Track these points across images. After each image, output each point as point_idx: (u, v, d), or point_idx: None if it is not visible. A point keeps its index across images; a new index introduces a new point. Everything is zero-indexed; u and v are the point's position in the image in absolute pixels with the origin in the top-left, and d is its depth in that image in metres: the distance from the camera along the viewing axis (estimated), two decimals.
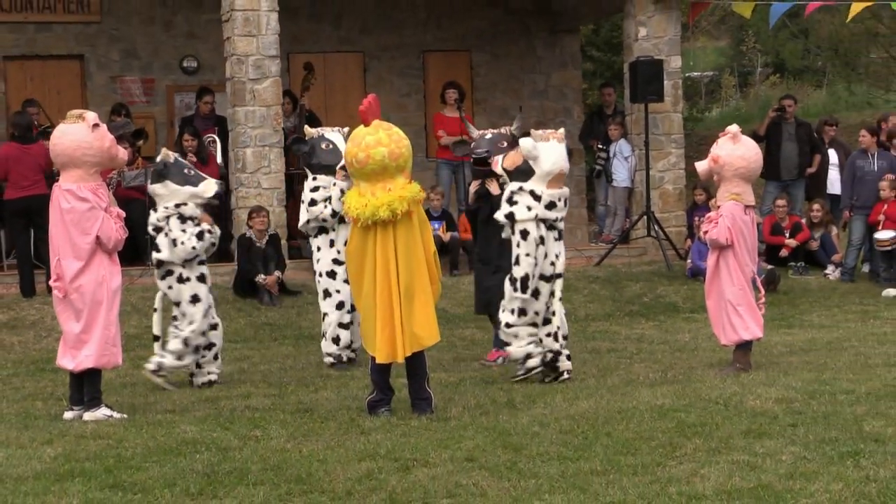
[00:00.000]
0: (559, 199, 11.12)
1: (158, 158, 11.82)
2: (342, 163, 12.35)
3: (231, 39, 17.09)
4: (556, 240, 11.20)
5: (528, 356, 11.19)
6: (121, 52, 20.44)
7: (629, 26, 19.12)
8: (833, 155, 19.84)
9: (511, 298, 11.17)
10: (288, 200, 17.38)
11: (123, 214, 10.29)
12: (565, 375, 11.26)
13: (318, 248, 12.91)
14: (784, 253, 18.30)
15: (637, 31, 18.85)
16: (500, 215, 11.19)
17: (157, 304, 12.14)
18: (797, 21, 31.86)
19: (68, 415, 10.09)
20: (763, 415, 9.17)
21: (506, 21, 22.02)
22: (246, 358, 13.63)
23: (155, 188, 11.78)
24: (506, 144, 12.17)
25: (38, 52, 20.08)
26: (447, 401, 10.23)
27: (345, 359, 12.80)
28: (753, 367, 11.44)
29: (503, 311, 11.26)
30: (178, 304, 11.89)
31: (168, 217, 11.76)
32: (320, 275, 12.87)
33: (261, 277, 16.04)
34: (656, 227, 18.30)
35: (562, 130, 11.38)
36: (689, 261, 17.82)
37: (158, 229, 11.85)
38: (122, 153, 10.35)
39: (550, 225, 11.11)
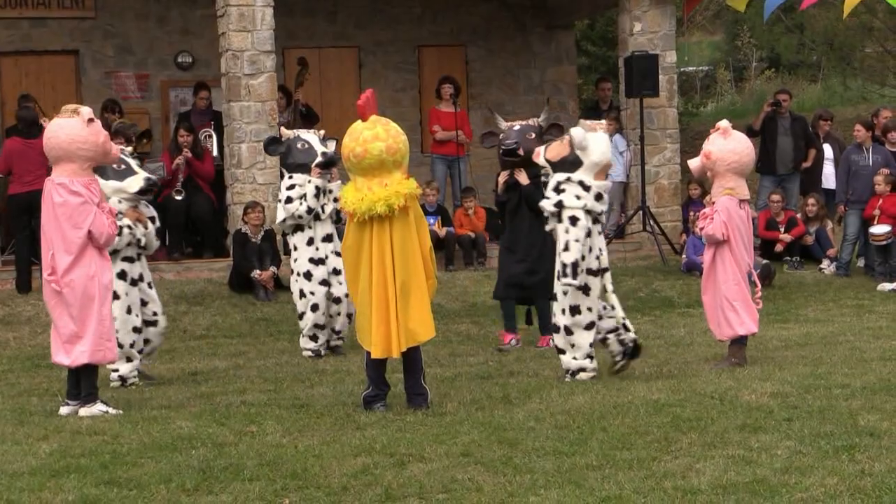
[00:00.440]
0: (605, 192, 10.97)
1: None
2: (317, 160, 13.03)
3: (226, 35, 17.09)
4: (599, 233, 11.00)
5: (582, 370, 10.88)
6: (115, 47, 20.43)
7: (624, 21, 19.12)
8: (828, 149, 19.85)
9: (562, 292, 10.82)
10: None
11: (116, 210, 10.27)
12: (627, 350, 11.12)
13: (296, 248, 13.26)
14: (779, 248, 18.32)
15: (632, 26, 18.85)
16: (547, 204, 10.89)
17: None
18: (792, 15, 31.83)
19: (64, 410, 10.08)
20: (758, 409, 9.17)
21: (501, 16, 22.03)
22: (241, 353, 13.63)
23: None
24: (533, 136, 12.98)
25: (33, 48, 20.08)
26: (443, 396, 10.23)
27: (323, 353, 13.25)
28: (748, 361, 11.45)
29: (556, 315, 10.93)
30: None
31: None
32: (297, 275, 13.22)
33: (256, 273, 16.05)
34: (651, 222, 18.32)
35: (604, 121, 11.26)
36: (684, 255, 17.84)
37: None
38: (115, 149, 10.36)
39: (595, 218, 10.90)
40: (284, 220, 13.20)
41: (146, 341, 11.94)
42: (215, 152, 18.03)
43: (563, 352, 10.95)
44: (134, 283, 11.90)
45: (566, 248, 10.75)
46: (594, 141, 10.85)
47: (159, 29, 20.59)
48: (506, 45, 22.06)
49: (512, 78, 22.15)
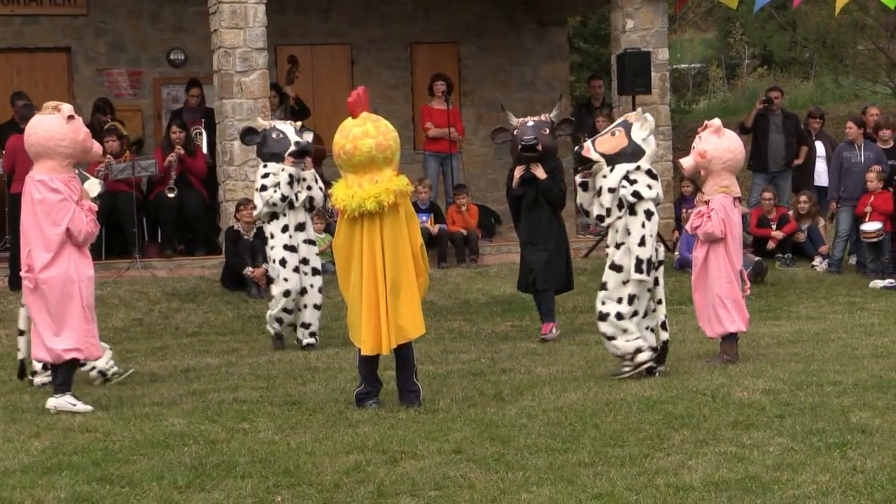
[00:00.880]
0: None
1: None
2: (290, 149, 13.36)
3: (218, 32, 17.08)
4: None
5: (639, 350, 10.67)
6: (108, 44, 20.41)
7: (616, 18, 19.12)
8: (820, 147, 19.87)
9: (618, 286, 10.65)
10: None
11: (95, 208, 10.25)
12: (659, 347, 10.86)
13: (272, 235, 13.58)
14: (771, 245, 18.33)
15: (624, 23, 18.86)
16: (626, 194, 10.58)
17: (22, 324, 11.50)
18: (784, 13, 31.87)
19: (76, 402, 10.01)
20: (750, 406, 9.18)
21: (493, 13, 22.02)
22: (234, 350, 13.63)
23: None
24: (548, 131, 13.27)
25: (25, 45, 20.05)
26: (435, 393, 10.23)
27: (285, 336, 13.78)
28: (741, 358, 11.46)
29: (605, 302, 10.72)
30: None
31: None
32: (273, 261, 13.58)
33: (248, 270, 16.04)
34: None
35: (639, 110, 11.13)
36: (676, 252, 17.84)
37: None
38: (97, 146, 10.31)
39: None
40: (262, 208, 13.52)
41: None
42: (205, 149, 18.03)
43: (612, 338, 10.72)
44: None
45: (642, 243, 10.58)
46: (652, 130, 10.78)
47: (152, 26, 20.57)
48: (498, 42, 22.05)
49: (504, 75, 22.14)
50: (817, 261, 18.27)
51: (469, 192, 18.94)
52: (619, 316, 10.66)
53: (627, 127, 10.71)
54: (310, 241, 13.66)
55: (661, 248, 10.82)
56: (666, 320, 10.81)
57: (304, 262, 13.55)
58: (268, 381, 11.37)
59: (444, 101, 19.16)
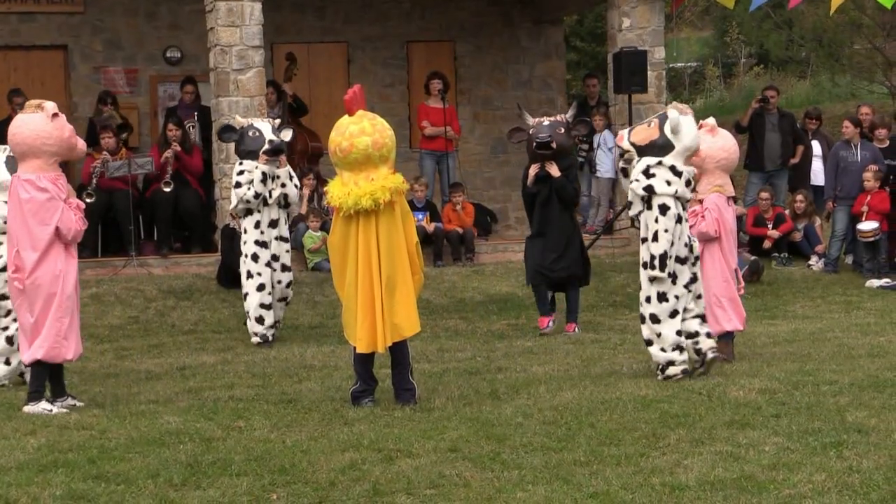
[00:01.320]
0: (692, 178, 10.59)
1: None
2: (264, 147, 13.69)
3: (214, 30, 17.08)
4: (686, 220, 10.58)
5: (671, 363, 10.38)
6: (104, 42, 20.39)
7: (613, 17, 19.11)
8: (816, 146, 19.87)
9: (647, 283, 10.47)
10: None
11: (83, 206, 10.21)
12: (710, 355, 10.57)
13: (245, 230, 13.92)
14: (767, 244, 18.33)
15: (621, 22, 18.84)
16: (637, 188, 10.47)
17: None
18: (781, 12, 31.86)
19: (51, 408, 9.99)
20: (746, 405, 9.18)
21: (490, 11, 22.01)
22: (229, 348, 13.62)
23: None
24: (563, 130, 13.63)
25: (22, 43, 20.03)
26: (431, 391, 10.23)
27: (270, 338, 13.82)
28: (737, 357, 11.46)
29: (642, 303, 10.56)
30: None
31: None
32: (246, 256, 13.87)
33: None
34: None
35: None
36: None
37: None
38: (81, 143, 10.26)
39: (683, 205, 10.51)
40: (236, 205, 13.90)
41: None
42: (199, 142, 18.01)
43: (650, 343, 10.57)
44: None
45: (655, 239, 10.41)
46: (688, 125, 10.46)
47: (148, 24, 20.55)
48: (494, 40, 22.04)
49: (500, 73, 22.13)
50: (813, 260, 18.28)
51: (465, 191, 18.95)
52: (655, 318, 10.42)
53: (663, 119, 10.51)
54: (282, 238, 13.99)
55: (695, 243, 10.61)
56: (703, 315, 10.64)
57: (275, 258, 13.89)
58: (263, 379, 11.37)
59: (440, 100, 19.15)
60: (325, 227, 16.61)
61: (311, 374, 11.58)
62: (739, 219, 17.63)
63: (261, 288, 13.76)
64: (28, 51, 20.06)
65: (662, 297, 10.37)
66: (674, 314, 10.40)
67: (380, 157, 9.64)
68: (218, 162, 17.20)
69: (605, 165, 19.31)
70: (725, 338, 11.45)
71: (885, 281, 17.02)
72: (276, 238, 13.91)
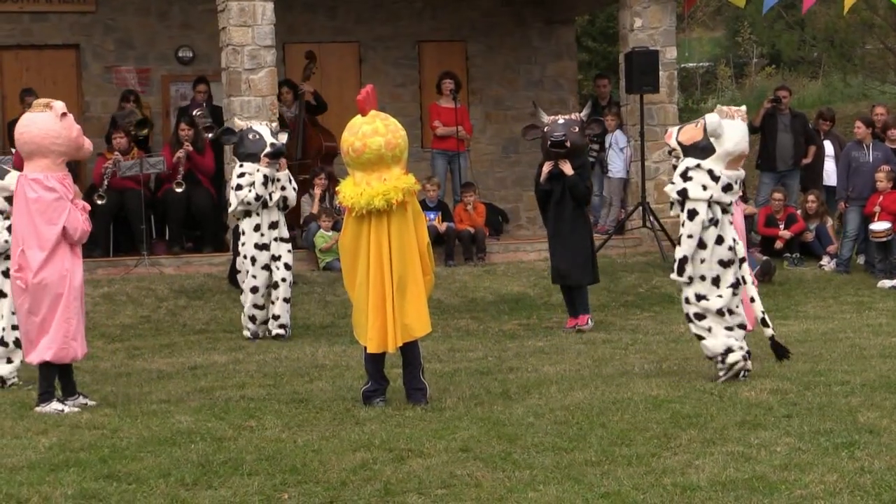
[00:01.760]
0: (736, 182, 10.30)
1: None
2: (266, 150, 13.96)
3: (226, 29, 17.10)
4: (729, 223, 10.36)
5: (729, 350, 10.22)
6: (116, 41, 20.41)
7: (624, 17, 19.09)
8: (829, 146, 19.84)
9: (686, 284, 10.34)
10: None
11: (88, 207, 10.23)
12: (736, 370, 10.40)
13: (244, 232, 14.22)
14: (779, 245, 18.30)
15: (632, 22, 18.83)
16: (671, 189, 10.42)
17: None
18: (793, 12, 31.83)
19: (62, 408, 10.00)
20: (758, 406, 9.17)
21: (501, 11, 22.00)
22: (241, 348, 13.64)
23: None
24: (577, 129, 13.83)
25: (34, 42, 20.06)
26: (442, 391, 10.23)
27: (261, 334, 14.23)
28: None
29: (683, 305, 10.46)
30: None
31: None
32: (244, 258, 14.19)
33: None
34: (651, 218, 18.29)
35: (743, 108, 10.70)
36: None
37: None
38: (88, 143, 10.27)
39: (725, 208, 10.29)
40: (236, 207, 14.15)
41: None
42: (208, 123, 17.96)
43: (701, 338, 10.39)
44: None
45: (679, 243, 10.39)
46: (730, 128, 10.25)
47: (160, 23, 20.58)
48: (506, 40, 22.03)
49: (512, 73, 22.12)
50: (825, 260, 18.25)
51: (476, 191, 18.95)
52: (700, 316, 10.32)
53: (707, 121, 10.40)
54: (282, 239, 14.25)
55: (739, 246, 10.36)
56: (765, 316, 10.52)
57: (276, 258, 14.16)
58: (275, 379, 11.38)
59: (451, 100, 19.16)
60: (336, 227, 16.61)
61: (322, 374, 11.58)
62: (750, 218, 17.65)
63: (254, 290, 14.15)
64: (40, 50, 20.09)
65: (701, 298, 10.27)
66: (721, 313, 10.25)
67: (392, 158, 9.65)
68: (229, 161, 17.19)
69: (616, 165, 19.30)
70: None
71: None
72: (276, 239, 14.19)
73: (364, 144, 9.60)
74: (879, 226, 17.40)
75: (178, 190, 17.30)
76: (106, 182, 17.02)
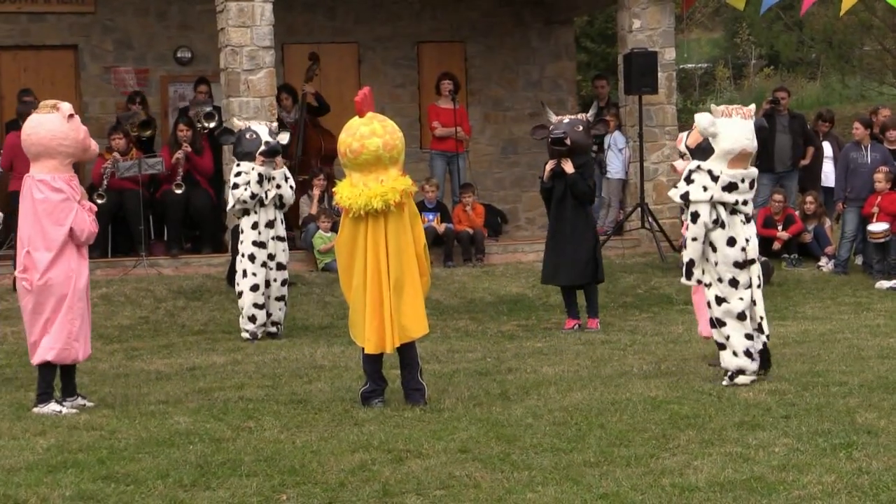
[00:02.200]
0: (742, 181, 10.17)
1: None
2: (261, 149, 14.08)
3: (225, 30, 17.09)
4: (743, 223, 10.24)
5: (741, 372, 10.13)
6: (115, 42, 20.41)
7: (623, 18, 19.10)
8: (827, 147, 19.85)
9: (705, 288, 10.32)
10: None
11: (95, 208, 10.24)
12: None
13: (242, 230, 14.33)
14: (777, 245, 18.30)
15: (631, 23, 18.84)
16: (674, 194, 10.41)
17: None
18: (791, 13, 31.84)
19: (60, 409, 9.99)
20: (756, 406, 9.18)
21: (500, 12, 22.01)
22: (239, 349, 13.63)
23: None
24: (581, 128, 13.99)
25: (32, 42, 20.05)
26: (441, 392, 10.23)
27: (260, 335, 14.24)
28: None
29: (708, 307, 10.36)
30: None
31: None
32: (242, 255, 14.29)
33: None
34: (650, 219, 18.30)
35: (752, 106, 10.64)
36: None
37: None
38: (94, 145, 10.32)
39: (733, 209, 10.20)
40: (234, 205, 14.28)
41: None
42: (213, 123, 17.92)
43: (721, 347, 10.30)
44: None
45: (684, 246, 10.37)
46: (725, 127, 10.16)
47: (159, 24, 20.57)
48: (505, 41, 22.04)
49: (511, 74, 22.13)
50: (823, 261, 18.26)
51: (475, 192, 18.96)
52: (720, 322, 10.25)
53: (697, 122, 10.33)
54: (279, 238, 14.33)
55: (750, 247, 10.23)
56: (763, 322, 10.33)
57: (271, 257, 14.26)
58: (273, 380, 11.37)
59: (450, 101, 19.17)
60: (335, 228, 16.60)
61: (321, 375, 11.58)
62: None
63: (255, 288, 14.15)
64: (38, 51, 20.09)
65: (722, 300, 10.21)
66: (742, 316, 10.17)
67: (390, 159, 9.67)
68: (228, 162, 17.19)
69: (615, 166, 19.31)
70: None
71: (894, 282, 17.00)
72: (273, 238, 14.28)
73: (362, 146, 9.61)
74: (878, 227, 17.41)
75: (178, 191, 17.31)
76: (105, 182, 17.02)
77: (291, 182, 14.44)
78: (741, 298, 10.17)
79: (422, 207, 17.53)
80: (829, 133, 20.28)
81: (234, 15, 16.96)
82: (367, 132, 9.65)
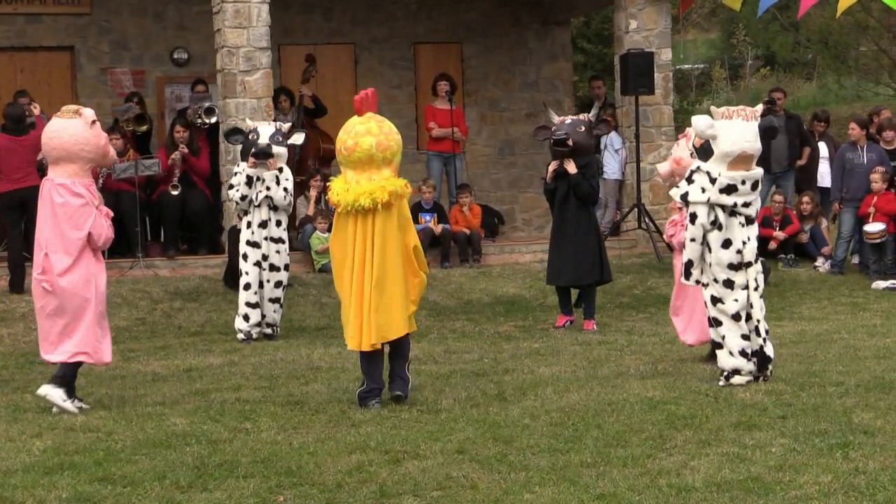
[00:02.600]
0: (742, 182, 10.05)
1: None
2: (253, 150, 14.13)
3: (222, 31, 17.08)
4: (742, 225, 10.14)
5: (737, 372, 10.09)
6: (111, 43, 20.39)
7: (620, 18, 19.11)
8: (823, 148, 19.86)
9: (703, 287, 10.31)
10: None
11: (112, 214, 10.30)
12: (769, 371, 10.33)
13: (239, 230, 14.48)
14: (773, 245, 18.30)
15: (628, 24, 18.84)
16: (675, 193, 10.44)
17: None
18: (787, 14, 31.85)
19: (69, 405, 10.02)
20: (753, 407, 9.18)
21: (497, 12, 22.01)
22: (236, 350, 13.62)
23: None
24: (583, 129, 14.06)
25: (28, 44, 20.04)
26: (438, 393, 10.24)
27: (254, 335, 14.25)
28: None
29: (705, 306, 10.36)
30: None
31: None
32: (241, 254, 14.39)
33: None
34: (647, 220, 18.31)
35: (759, 107, 10.59)
36: None
37: None
38: (113, 151, 10.48)
39: (733, 211, 10.12)
40: (237, 205, 14.44)
41: None
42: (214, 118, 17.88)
43: (718, 346, 10.27)
44: None
45: (684, 246, 10.37)
46: (724, 129, 10.09)
47: (155, 25, 20.56)
48: (501, 41, 22.03)
49: (508, 74, 22.13)
50: (820, 261, 18.27)
51: (472, 192, 18.95)
52: (717, 321, 10.22)
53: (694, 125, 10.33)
54: (272, 239, 14.33)
55: (747, 249, 10.13)
56: (760, 325, 10.21)
57: (265, 258, 14.30)
58: (270, 381, 11.37)
59: (447, 101, 19.17)
60: (332, 229, 16.57)
61: (317, 376, 11.58)
62: None
63: (247, 287, 14.24)
64: (35, 52, 20.07)
65: (718, 300, 10.20)
66: (737, 317, 10.15)
67: (383, 160, 9.74)
68: (225, 163, 17.20)
69: (611, 167, 19.31)
70: None
71: (891, 282, 17.01)
72: (266, 239, 14.30)
73: (356, 143, 9.70)
74: (874, 227, 17.42)
75: (174, 192, 17.29)
76: (101, 183, 17.01)
77: (286, 185, 14.33)
78: (736, 300, 10.14)
79: (418, 208, 17.53)
80: (824, 133, 20.28)
81: (231, 16, 16.95)
82: (363, 130, 9.74)
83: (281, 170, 14.31)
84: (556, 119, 14.33)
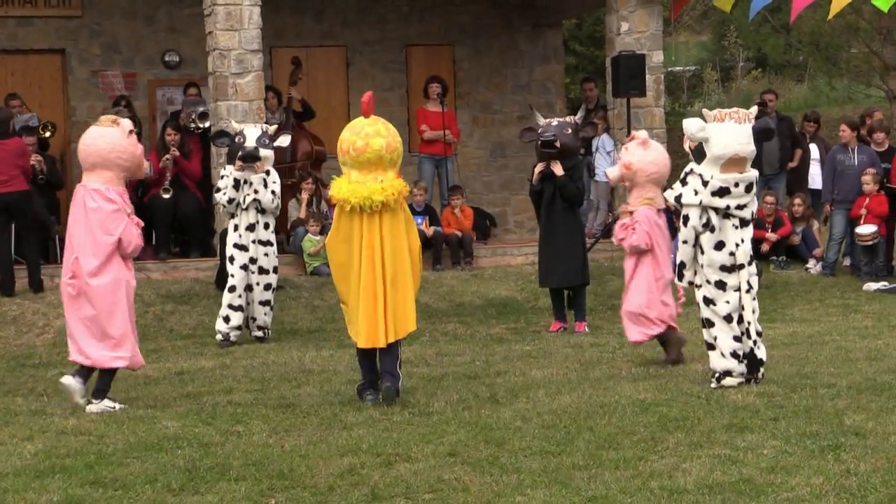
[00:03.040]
0: (735, 185, 10.03)
1: None
2: (239, 153, 14.11)
3: (213, 34, 17.06)
4: (736, 228, 10.13)
5: (728, 373, 10.09)
6: (102, 46, 20.36)
7: (611, 21, 19.11)
8: (814, 150, 19.88)
9: (696, 289, 10.33)
10: None
11: (142, 223, 10.46)
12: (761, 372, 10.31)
13: (227, 233, 14.52)
14: (765, 248, 18.32)
15: (619, 26, 18.84)
16: (669, 195, 10.44)
17: None
18: (779, 16, 31.87)
19: (115, 405, 10.18)
20: (744, 409, 9.19)
21: (488, 15, 22.01)
22: (228, 353, 13.61)
23: None
24: (570, 131, 14.08)
25: (20, 47, 20.00)
26: (430, 396, 10.24)
27: (233, 338, 14.16)
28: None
29: (697, 307, 10.38)
30: None
31: None
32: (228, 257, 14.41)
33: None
34: None
35: (753, 109, 10.55)
36: (670, 255, 17.83)
37: None
38: (146, 164, 10.60)
39: (726, 213, 10.12)
40: (224, 208, 14.49)
41: None
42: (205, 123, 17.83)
43: (710, 347, 10.28)
44: None
45: (677, 248, 10.43)
46: (716, 132, 10.08)
47: (146, 28, 20.53)
48: (493, 43, 22.04)
49: (499, 77, 22.13)
50: (811, 263, 18.28)
51: (463, 194, 18.95)
52: (709, 322, 10.23)
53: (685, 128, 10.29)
54: (261, 242, 14.33)
55: (740, 251, 10.12)
56: (751, 327, 10.15)
57: (253, 261, 14.28)
58: (262, 384, 11.37)
59: (438, 104, 19.16)
60: (324, 231, 16.59)
61: (309, 379, 11.58)
62: None
63: (231, 289, 14.19)
64: (26, 55, 20.04)
65: (710, 301, 10.21)
66: (729, 319, 10.15)
67: (390, 161, 9.94)
68: (217, 166, 17.17)
69: (603, 169, 19.30)
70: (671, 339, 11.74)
71: (882, 284, 17.04)
72: (254, 241, 14.30)
73: (366, 144, 9.81)
74: (865, 229, 17.44)
75: (166, 195, 17.27)
76: None
77: (274, 187, 14.34)
78: (728, 301, 10.16)
79: (411, 211, 17.50)
80: (815, 135, 20.30)
81: (222, 18, 16.93)
82: (372, 132, 9.87)
83: (268, 172, 14.30)
84: (543, 121, 14.36)
